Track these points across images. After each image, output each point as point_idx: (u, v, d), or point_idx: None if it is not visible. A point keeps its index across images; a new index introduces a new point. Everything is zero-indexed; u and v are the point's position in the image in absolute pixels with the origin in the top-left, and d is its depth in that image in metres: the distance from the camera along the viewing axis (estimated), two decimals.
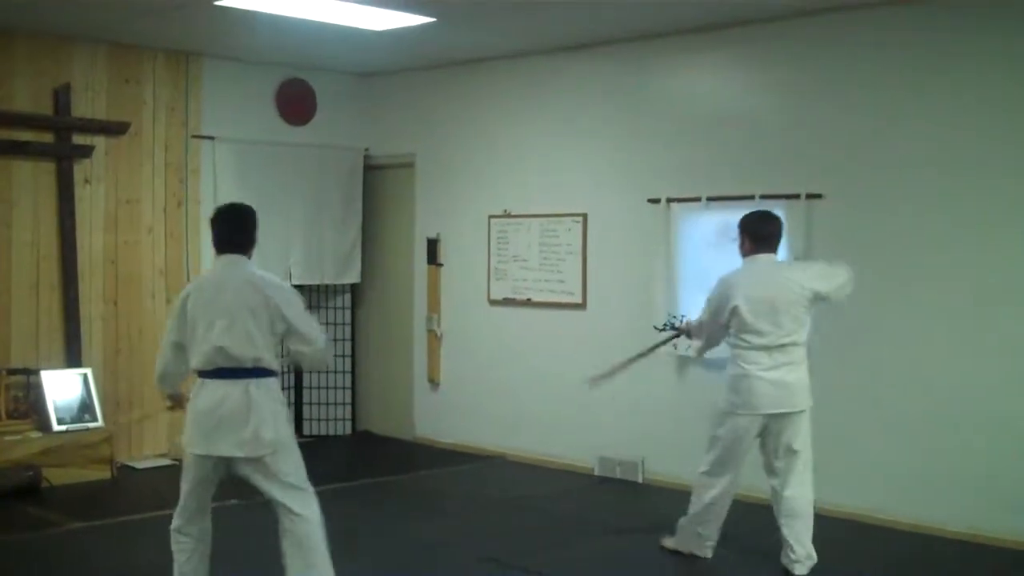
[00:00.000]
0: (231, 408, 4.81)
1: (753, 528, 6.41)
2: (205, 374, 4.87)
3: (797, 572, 5.82)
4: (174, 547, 4.98)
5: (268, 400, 4.88)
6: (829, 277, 5.85)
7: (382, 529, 6.71)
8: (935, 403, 6.59)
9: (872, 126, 6.85)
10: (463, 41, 8.20)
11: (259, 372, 4.87)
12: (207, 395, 4.85)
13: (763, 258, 5.87)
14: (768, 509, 6.05)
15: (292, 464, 4.95)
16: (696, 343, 6.33)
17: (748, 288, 5.77)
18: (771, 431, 5.84)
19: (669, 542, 6.21)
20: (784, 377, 5.77)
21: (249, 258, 5.01)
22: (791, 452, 5.83)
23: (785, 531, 5.87)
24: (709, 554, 6.08)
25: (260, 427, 4.81)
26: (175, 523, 4.97)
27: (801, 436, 5.86)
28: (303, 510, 4.95)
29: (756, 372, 5.76)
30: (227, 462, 4.88)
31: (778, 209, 7.09)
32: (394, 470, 8.50)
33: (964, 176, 6.50)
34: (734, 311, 5.76)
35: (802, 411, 5.85)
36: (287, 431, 5.00)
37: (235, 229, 5.02)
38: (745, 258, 5.92)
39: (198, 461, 4.90)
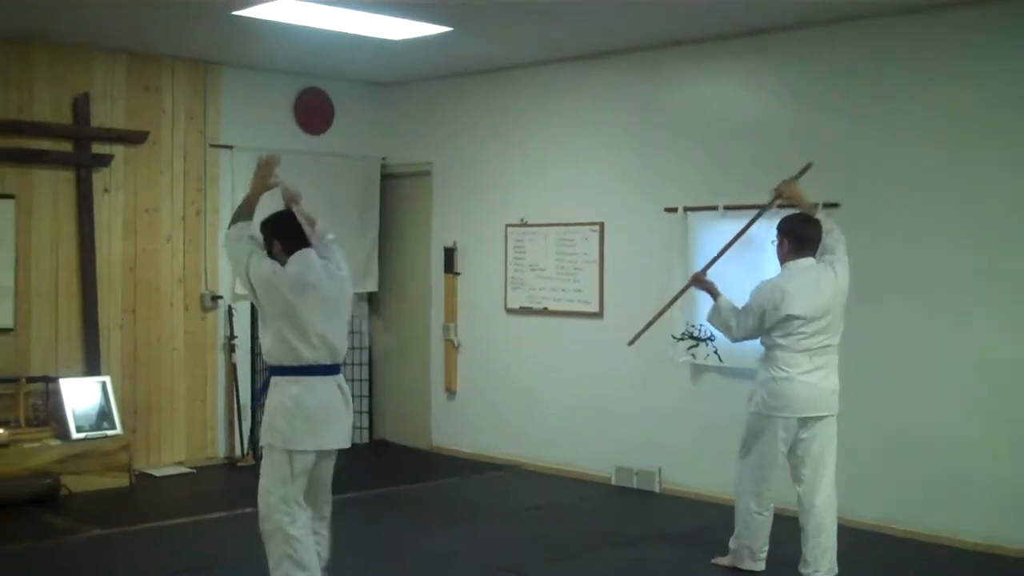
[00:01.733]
0: (334, 404, 5.14)
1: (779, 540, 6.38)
2: (306, 370, 5.07)
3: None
4: (295, 531, 5.09)
5: (349, 393, 5.28)
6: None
7: (398, 538, 6.72)
8: (951, 413, 6.56)
9: (889, 135, 6.83)
10: (480, 50, 8.21)
11: (340, 368, 5.23)
12: (313, 392, 5.08)
13: (805, 263, 5.82)
14: (788, 520, 6.02)
15: None
16: (713, 316, 6.17)
17: (801, 294, 5.72)
18: (802, 436, 5.82)
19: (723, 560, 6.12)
20: (821, 381, 5.78)
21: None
22: (820, 458, 5.82)
23: (811, 542, 5.83)
24: (762, 566, 5.99)
25: (350, 420, 5.26)
26: (289, 517, 5.09)
27: (831, 442, 5.86)
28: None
29: (797, 376, 5.75)
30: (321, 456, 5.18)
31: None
32: (411, 479, 8.51)
33: (981, 186, 6.47)
34: (787, 318, 5.70)
35: (832, 415, 5.85)
36: None
37: (299, 226, 5.30)
38: (787, 262, 5.87)
39: (305, 457, 5.09)
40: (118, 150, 8.27)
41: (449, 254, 9.40)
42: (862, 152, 6.94)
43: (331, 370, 5.17)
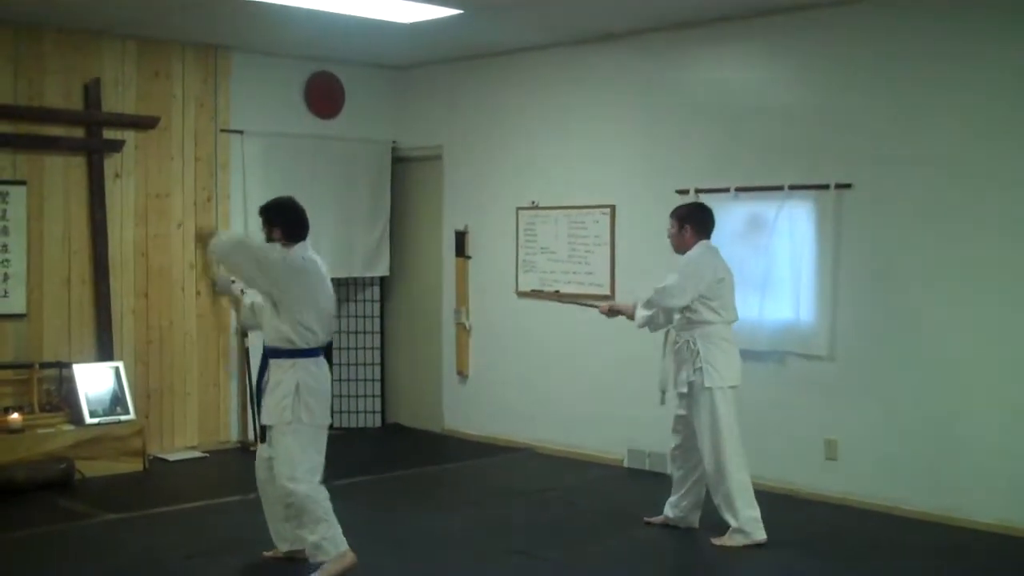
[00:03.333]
0: (328, 382, 5.60)
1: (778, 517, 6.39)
2: (317, 352, 5.49)
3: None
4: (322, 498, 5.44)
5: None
6: None
7: (411, 521, 6.73)
8: (965, 394, 6.55)
9: (902, 116, 6.80)
10: (490, 33, 8.20)
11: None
12: (320, 371, 5.50)
13: (710, 243, 6.32)
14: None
15: None
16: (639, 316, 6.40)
17: (719, 268, 6.21)
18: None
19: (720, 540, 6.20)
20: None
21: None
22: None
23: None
24: (764, 535, 6.09)
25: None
26: (318, 480, 5.47)
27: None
28: None
29: (732, 348, 6.21)
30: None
31: (807, 199, 7.13)
32: (423, 462, 8.52)
33: (993, 169, 6.44)
34: (719, 283, 6.14)
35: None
36: None
37: (304, 218, 5.67)
38: (696, 243, 6.27)
39: (322, 432, 5.53)
40: (129, 136, 8.28)
41: (460, 237, 9.40)
42: (873, 133, 6.91)
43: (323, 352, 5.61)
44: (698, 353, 6.14)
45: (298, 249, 5.51)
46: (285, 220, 5.58)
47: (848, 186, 6.98)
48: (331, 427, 5.68)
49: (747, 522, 6.11)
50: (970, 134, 6.52)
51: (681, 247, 6.33)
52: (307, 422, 5.38)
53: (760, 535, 6.10)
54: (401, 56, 9.31)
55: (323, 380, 5.51)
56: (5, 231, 7.73)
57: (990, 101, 6.45)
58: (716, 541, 6.17)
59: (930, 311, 6.70)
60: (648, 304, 6.31)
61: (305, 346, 5.42)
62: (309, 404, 5.38)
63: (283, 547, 5.68)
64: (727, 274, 6.25)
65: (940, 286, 6.66)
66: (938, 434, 6.65)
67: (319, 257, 5.71)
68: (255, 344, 8.90)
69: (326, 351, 5.64)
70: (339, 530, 5.39)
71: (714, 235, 7.53)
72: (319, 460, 5.47)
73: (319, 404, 5.45)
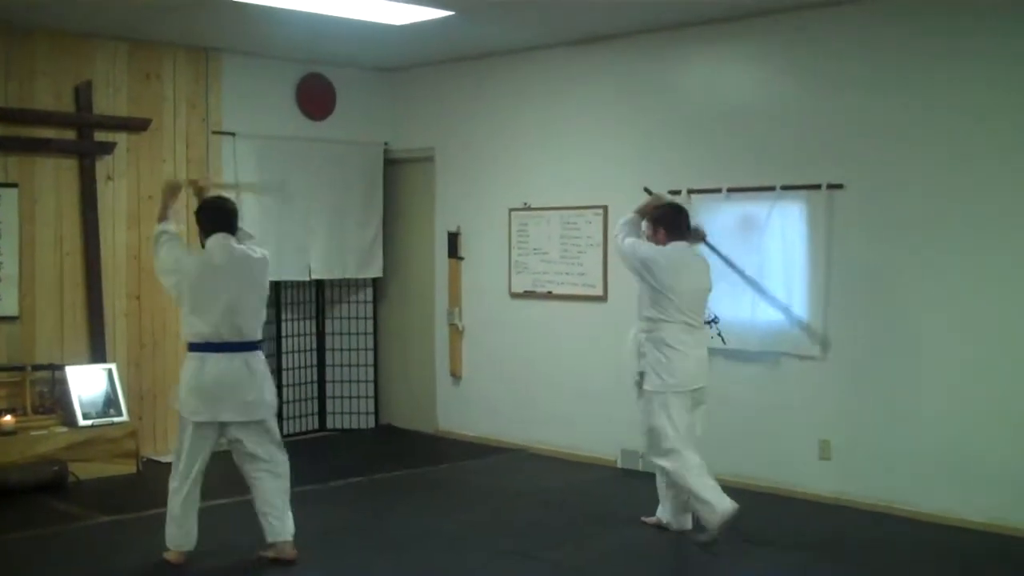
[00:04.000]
0: (235, 378, 5.59)
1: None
2: (207, 347, 5.57)
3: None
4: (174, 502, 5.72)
5: (265, 368, 5.75)
6: None
7: (405, 522, 6.73)
8: (958, 393, 6.57)
9: (893, 117, 6.81)
10: (482, 35, 8.20)
11: (255, 345, 5.69)
12: (211, 368, 5.55)
13: (681, 244, 6.38)
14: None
15: (277, 426, 5.86)
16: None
17: (679, 268, 6.25)
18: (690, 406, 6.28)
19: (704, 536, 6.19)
20: (701, 354, 6.32)
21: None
22: (693, 427, 6.34)
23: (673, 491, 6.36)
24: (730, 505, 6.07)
25: (262, 393, 5.67)
26: (173, 485, 5.74)
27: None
28: (287, 467, 5.81)
29: (686, 351, 6.21)
30: (225, 427, 5.68)
31: (799, 200, 7.14)
32: (417, 463, 8.52)
33: (986, 168, 6.46)
34: (667, 288, 6.18)
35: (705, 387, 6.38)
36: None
37: (227, 214, 5.80)
38: (666, 245, 6.35)
39: (200, 428, 5.64)
40: (121, 138, 8.27)
41: (453, 239, 9.40)
42: (865, 134, 6.93)
43: (236, 347, 5.62)
44: (644, 356, 6.28)
45: (208, 242, 5.70)
46: (197, 219, 5.88)
47: (840, 187, 6.99)
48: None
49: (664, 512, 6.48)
50: (962, 135, 6.54)
51: None
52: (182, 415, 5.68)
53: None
54: (392, 58, 9.31)
55: (206, 376, 5.57)
56: None
57: (983, 101, 6.46)
58: (645, 519, 6.53)
59: (922, 311, 6.71)
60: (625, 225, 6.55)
61: (193, 340, 5.63)
62: (180, 398, 5.66)
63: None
64: (695, 276, 6.32)
65: (932, 286, 6.67)
66: (931, 434, 6.66)
67: (256, 249, 5.83)
68: None
69: (255, 345, 5.74)
70: (172, 531, 5.71)
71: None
72: (182, 459, 5.71)
73: (190, 402, 5.61)
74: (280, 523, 5.72)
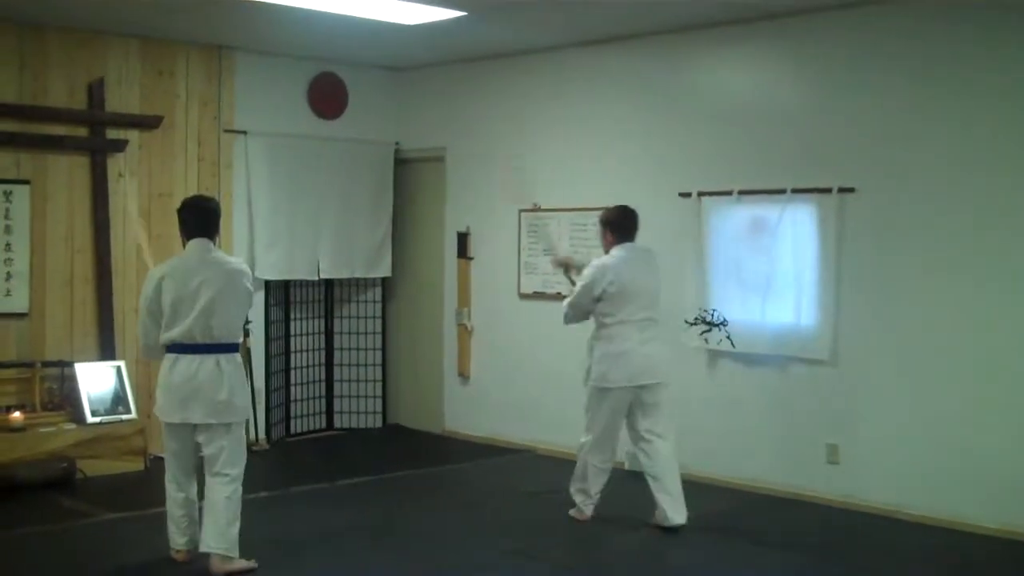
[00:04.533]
0: (204, 378, 5.49)
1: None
2: (179, 348, 5.50)
3: (677, 521, 6.42)
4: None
5: (237, 371, 5.61)
6: None
7: (411, 521, 6.74)
8: (969, 398, 6.55)
9: (905, 120, 6.80)
10: (493, 35, 8.20)
11: (230, 347, 5.60)
12: (182, 368, 5.50)
13: (628, 246, 6.60)
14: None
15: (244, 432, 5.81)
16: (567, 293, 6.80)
17: (625, 272, 6.46)
18: (644, 400, 6.53)
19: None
20: (651, 351, 6.50)
21: (215, 243, 5.72)
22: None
23: (657, 485, 6.51)
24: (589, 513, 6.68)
25: (232, 395, 5.53)
26: (167, 488, 5.75)
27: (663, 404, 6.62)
28: (240, 477, 5.63)
29: (631, 347, 6.43)
30: (196, 428, 5.57)
31: (810, 203, 7.12)
32: (424, 463, 8.53)
33: (997, 172, 6.44)
34: (616, 293, 6.41)
35: (661, 383, 6.57)
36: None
37: (210, 214, 5.74)
38: (612, 248, 6.59)
39: (174, 429, 5.61)
40: (132, 135, 8.28)
41: (462, 239, 9.40)
42: (877, 137, 6.91)
43: (209, 348, 5.52)
44: (591, 352, 6.56)
45: (190, 246, 5.64)
46: (179, 219, 5.78)
47: (851, 190, 6.98)
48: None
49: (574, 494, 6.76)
50: (974, 138, 6.52)
51: (606, 249, 6.67)
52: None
53: (587, 512, 6.70)
54: (404, 57, 9.31)
55: (175, 377, 5.52)
56: (8, 230, 7.73)
57: (994, 104, 6.45)
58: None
59: (932, 316, 6.69)
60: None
61: (166, 343, 5.58)
62: (156, 399, 5.67)
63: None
64: (642, 275, 6.55)
65: (943, 290, 6.65)
66: (940, 438, 6.64)
67: (232, 260, 5.77)
68: (257, 345, 8.94)
69: (230, 348, 5.63)
70: (171, 530, 5.74)
71: (716, 237, 7.60)
72: (168, 458, 5.72)
73: (161, 402, 5.61)
74: (213, 535, 5.50)
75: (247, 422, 8.82)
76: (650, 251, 6.71)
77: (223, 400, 5.50)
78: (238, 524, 5.54)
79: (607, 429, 6.59)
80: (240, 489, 5.60)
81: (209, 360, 5.51)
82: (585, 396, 6.66)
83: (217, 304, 5.49)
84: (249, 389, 5.78)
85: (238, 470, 5.60)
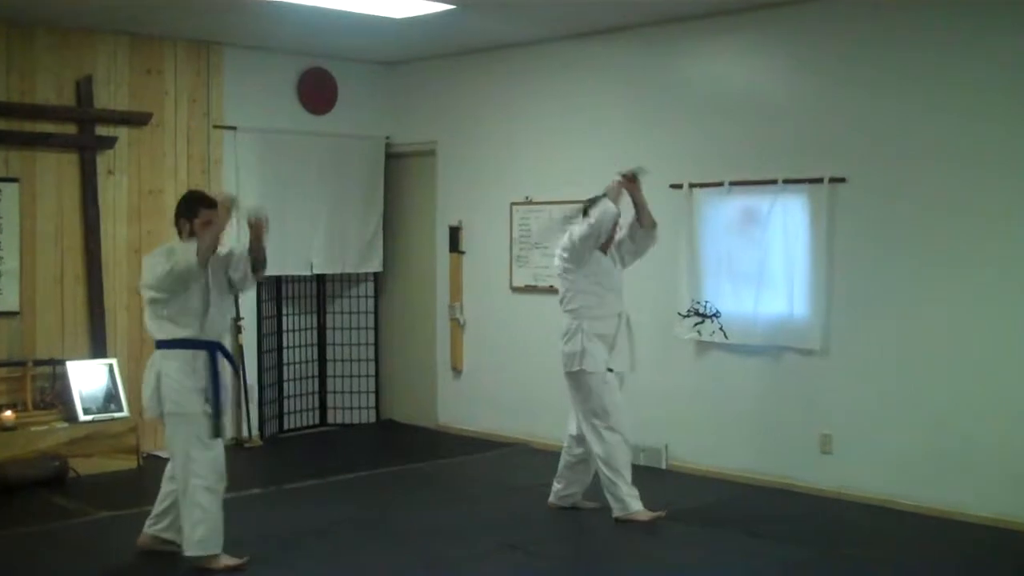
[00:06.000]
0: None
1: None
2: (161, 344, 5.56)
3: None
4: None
5: (152, 368, 5.60)
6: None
7: (405, 516, 6.73)
8: (959, 388, 6.55)
9: (896, 111, 6.79)
10: (483, 28, 8.18)
11: (158, 343, 5.60)
12: (167, 364, 5.55)
13: None
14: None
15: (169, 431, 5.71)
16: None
17: None
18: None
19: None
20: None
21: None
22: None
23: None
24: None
25: (146, 392, 5.65)
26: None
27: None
28: (175, 472, 5.67)
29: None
30: None
31: (801, 194, 7.11)
32: (417, 458, 8.52)
33: (988, 163, 6.44)
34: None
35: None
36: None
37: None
38: None
39: None
40: (122, 132, 8.26)
41: (454, 233, 9.39)
42: (868, 127, 6.91)
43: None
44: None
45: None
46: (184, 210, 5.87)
47: (842, 180, 6.98)
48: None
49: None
50: (965, 128, 6.52)
51: None
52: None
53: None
54: (394, 51, 9.30)
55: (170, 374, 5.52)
56: None
57: (986, 94, 6.44)
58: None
59: (924, 305, 6.70)
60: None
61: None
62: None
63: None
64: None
65: (934, 281, 6.66)
66: (933, 428, 6.65)
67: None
68: (249, 342, 8.93)
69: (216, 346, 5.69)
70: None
71: (708, 229, 7.61)
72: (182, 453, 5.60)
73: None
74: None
75: (237, 418, 8.90)
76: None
77: (147, 396, 5.64)
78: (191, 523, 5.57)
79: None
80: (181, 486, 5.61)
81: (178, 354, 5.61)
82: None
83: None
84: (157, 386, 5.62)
85: (171, 467, 5.72)
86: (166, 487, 5.76)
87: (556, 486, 6.83)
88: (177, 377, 5.50)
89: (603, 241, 6.51)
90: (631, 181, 6.62)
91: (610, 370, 6.56)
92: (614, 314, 6.59)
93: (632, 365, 6.73)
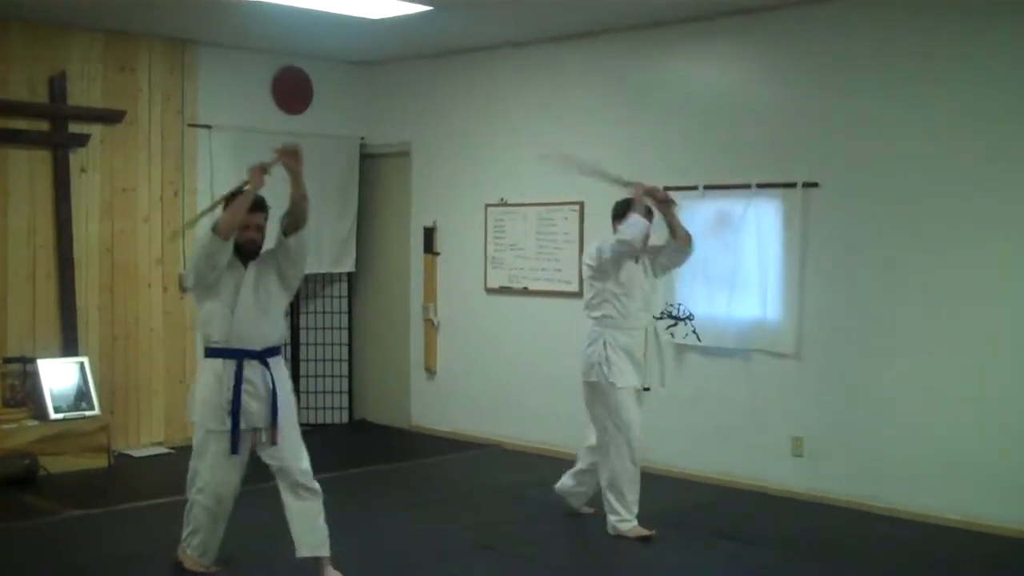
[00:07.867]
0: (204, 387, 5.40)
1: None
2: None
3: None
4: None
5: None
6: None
7: (379, 517, 6.72)
8: (933, 392, 6.60)
9: (870, 116, 6.84)
10: (460, 30, 8.19)
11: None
12: (202, 373, 5.40)
13: None
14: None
15: None
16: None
17: None
18: None
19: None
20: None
21: None
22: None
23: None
24: None
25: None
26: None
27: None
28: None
29: None
30: None
31: (775, 198, 7.15)
32: (391, 458, 8.52)
33: (961, 168, 6.49)
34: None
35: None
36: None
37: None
38: None
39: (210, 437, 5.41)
40: (95, 130, 8.21)
41: (429, 234, 9.38)
42: (841, 132, 6.96)
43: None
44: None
45: None
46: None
47: (815, 185, 7.02)
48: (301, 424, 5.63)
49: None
50: (938, 134, 6.57)
51: None
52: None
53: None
54: (370, 52, 9.29)
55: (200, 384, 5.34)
56: None
57: (958, 100, 6.50)
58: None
59: (896, 309, 6.75)
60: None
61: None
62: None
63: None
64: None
65: (906, 284, 6.70)
66: (904, 431, 6.70)
67: None
68: None
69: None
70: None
71: None
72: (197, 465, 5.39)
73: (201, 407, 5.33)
74: None
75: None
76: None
77: None
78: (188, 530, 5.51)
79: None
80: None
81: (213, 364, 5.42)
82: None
83: None
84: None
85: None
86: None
87: (568, 482, 6.71)
88: (203, 391, 5.30)
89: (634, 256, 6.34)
90: (665, 203, 6.45)
91: (646, 389, 6.42)
92: (640, 327, 6.38)
93: (662, 380, 6.60)
